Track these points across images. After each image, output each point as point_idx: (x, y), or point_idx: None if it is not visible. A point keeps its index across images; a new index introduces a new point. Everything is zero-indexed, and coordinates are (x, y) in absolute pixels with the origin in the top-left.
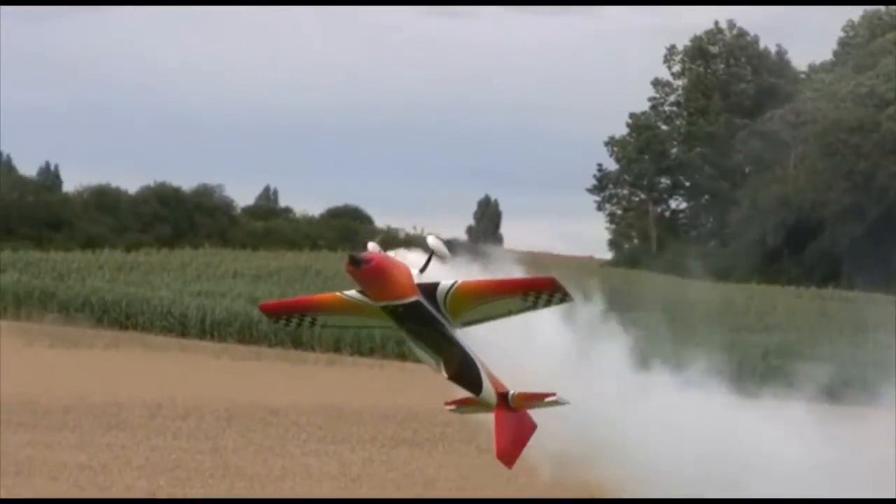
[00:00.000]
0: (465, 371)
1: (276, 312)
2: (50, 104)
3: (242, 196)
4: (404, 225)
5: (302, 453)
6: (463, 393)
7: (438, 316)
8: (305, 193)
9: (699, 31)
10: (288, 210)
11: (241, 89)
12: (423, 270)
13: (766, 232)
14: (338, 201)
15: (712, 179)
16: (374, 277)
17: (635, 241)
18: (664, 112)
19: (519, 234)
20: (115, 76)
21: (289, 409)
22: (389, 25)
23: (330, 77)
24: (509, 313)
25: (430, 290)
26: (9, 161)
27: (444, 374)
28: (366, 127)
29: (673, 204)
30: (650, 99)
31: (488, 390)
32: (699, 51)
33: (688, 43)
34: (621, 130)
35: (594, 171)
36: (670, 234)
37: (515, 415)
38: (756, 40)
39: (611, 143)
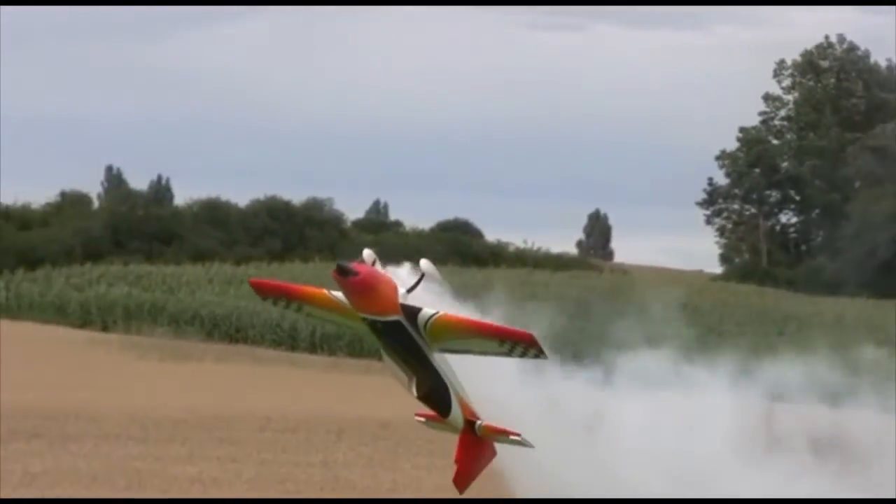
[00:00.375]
0: (435, 393)
1: (265, 291)
2: (161, 117)
3: (352, 209)
4: (514, 239)
5: (412, 467)
6: None
7: (417, 338)
8: (415, 207)
9: (809, 46)
10: (398, 224)
11: (349, 102)
12: (410, 291)
13: (878, 245)
14: (448, 215)
15: (823, 193)
16: (359, 290)
17: (745, 255)
18: (775, 126)
19: (629, 248)
20: (226, 89)
21: (400, 423)
22: (499, 40)
23: (439, 91)
24: (485, 353)
25: (412, 312)
26: (119, 175)
27: (414, 393)
28: (475, 141)
29: (783, 218)
30: (761, 113)
31: (456, 415)
32: (809, 65)
33: (797, 58)
34: (732, 144)
35: (704, 185)
36: (780, 249)
37: (479, 441)
38: (867, 55)
39: (721, 157)
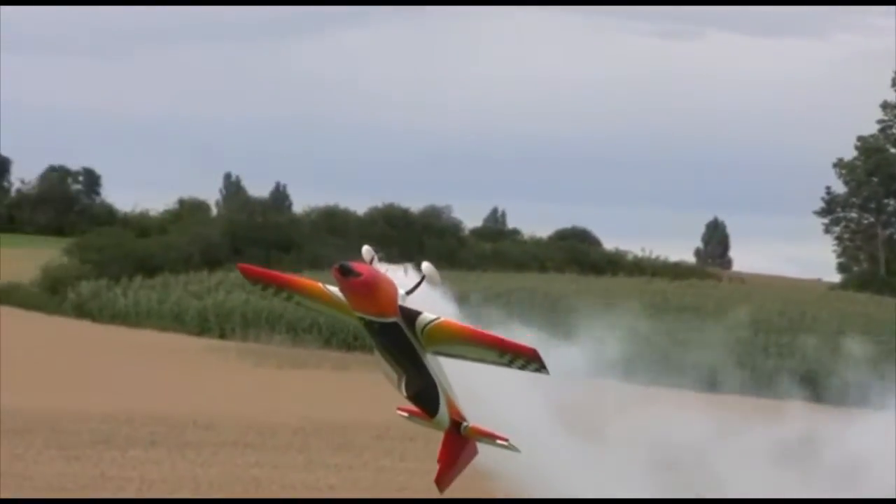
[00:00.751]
0: (424, 394)
1: (255, 278)
2: (280, 125)
3: (471, 217)
4: (632, 247)
5: None
6: None
7: (412, 340)
8: (533, 215)
9: None
10: (516, 232)
11: (468, 111)
12: (409, 293)
13: None
14: (566, 223)
15: None
16: (359, 291)
17: (863, 264)
18: (893, 135)
19: (747, 256)
20: (345, 97)
21: None
22: (617, 48)
23: (556, 99)
24: (481, 361)
25: (411, 316)
26: (238, 182)
27: (404, 393)
28: (594, 149)
29: None
30: (879, 122)
31: (443, 416)
32: None
33: None
34: (850, 153)
35: (822, 193)
36: None
37: (462, 440)
38: None
39: (839, 165)
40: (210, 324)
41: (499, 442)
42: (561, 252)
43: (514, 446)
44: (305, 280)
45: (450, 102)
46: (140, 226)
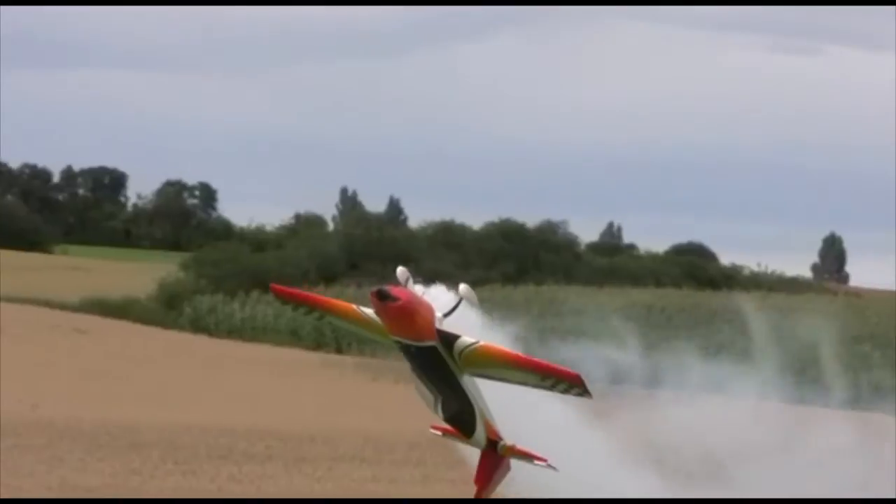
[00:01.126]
0: (461, 416)
1: (287, 298)
2: (395, 140)
3: (587, 232)
4: (748, 262)
5: None
6: None
7: (450, 363)
8: (650, 230)
9: None
10: (632, 247)
11: (582, 124)
12: (447, 315)
13: None
14: (682, 238)
15: None
16: (398, 316)
17: None
18: None
19: (864, 271)
20: (458, 112)
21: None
22: (736, 62)
23: (672, 113)
24: (523, 384)
25: (449, 339)
26: (354, 196)
27: (441, 415)
28: (709, 163)
29: None
30: None
31: (480, 436)
32: None
33: None
34: None
35: None
36: None
37: (498, 458)
38: None
39: None
40: (326, 338)
41: (537, 462)
42: (678, 267)
43: (552, 466)
44: (340, 302)
45: (564, 116)
46: (256, 240)
